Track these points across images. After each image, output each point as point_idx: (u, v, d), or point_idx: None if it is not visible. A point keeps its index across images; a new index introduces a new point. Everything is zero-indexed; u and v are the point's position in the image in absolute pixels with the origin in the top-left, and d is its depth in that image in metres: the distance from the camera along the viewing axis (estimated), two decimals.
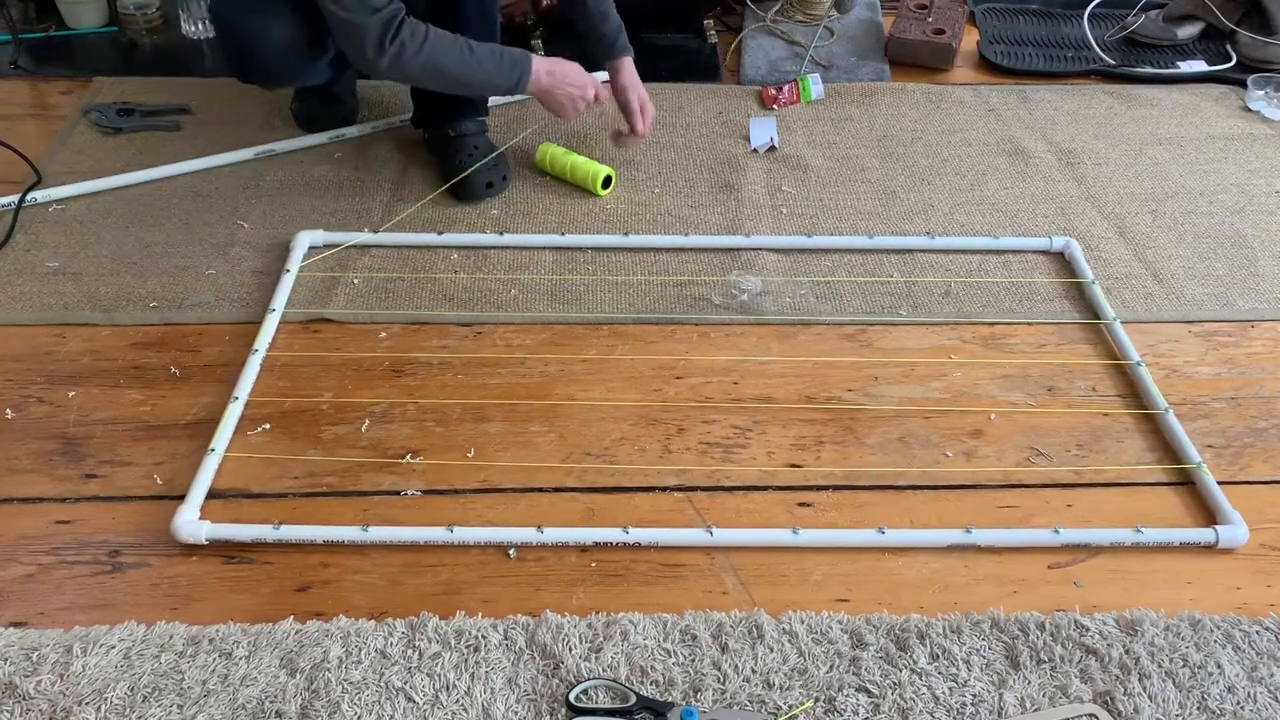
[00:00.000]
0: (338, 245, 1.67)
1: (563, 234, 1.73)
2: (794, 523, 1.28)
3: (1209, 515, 1.30)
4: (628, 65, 1.79)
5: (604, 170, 1.80)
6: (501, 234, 1.71)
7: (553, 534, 1.25)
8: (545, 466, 1.34)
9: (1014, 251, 1.72)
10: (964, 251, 1.71)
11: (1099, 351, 1.54)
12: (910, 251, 1.71)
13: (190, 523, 1.24)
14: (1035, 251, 1.72)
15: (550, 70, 1.65)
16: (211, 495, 1.29)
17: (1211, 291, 1.66)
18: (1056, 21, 2.42)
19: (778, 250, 1.71)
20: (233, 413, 1.38)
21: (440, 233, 1.71)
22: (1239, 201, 1.86)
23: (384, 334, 1.53)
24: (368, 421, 1.40)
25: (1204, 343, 1.57)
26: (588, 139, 1.95)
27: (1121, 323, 1.57)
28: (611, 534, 1.25)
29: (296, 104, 1.95)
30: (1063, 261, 1.70)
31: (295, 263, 1.63)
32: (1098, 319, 1.59)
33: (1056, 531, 1.26)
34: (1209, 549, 1.26)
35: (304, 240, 1.67)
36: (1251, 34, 2.24)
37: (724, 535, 1.25)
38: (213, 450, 1.33)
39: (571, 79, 1.67)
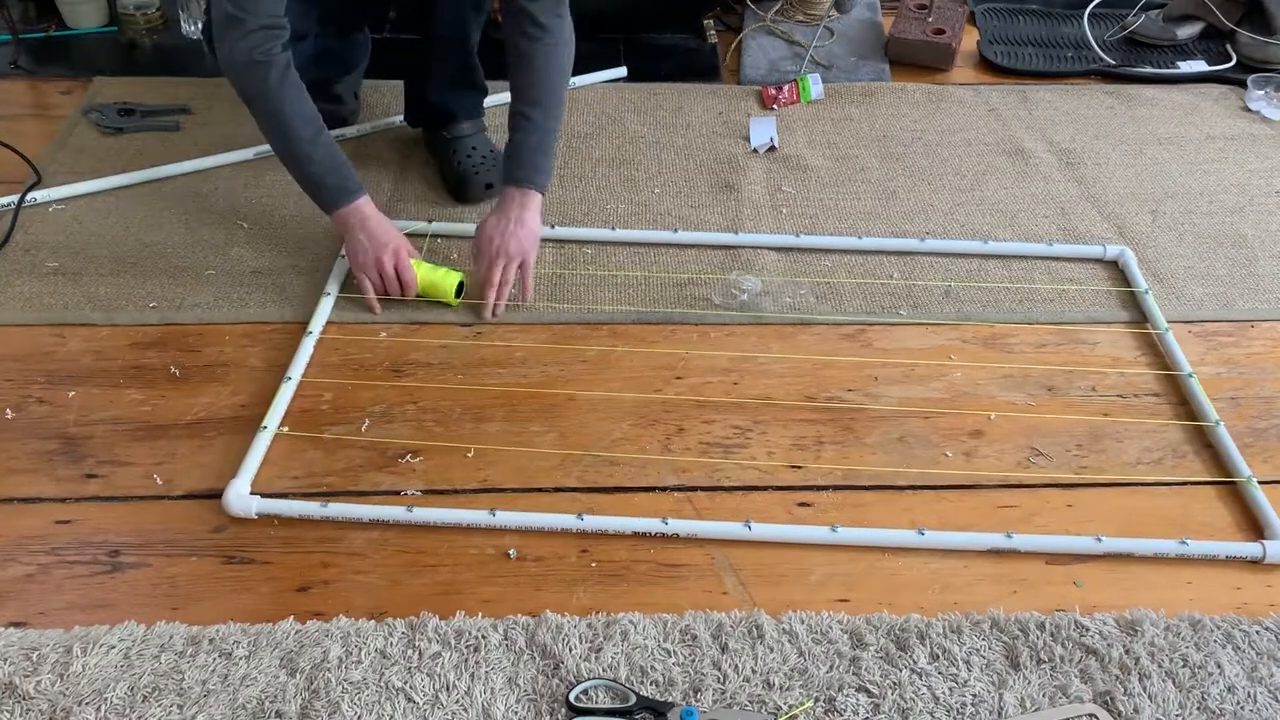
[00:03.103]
0: None
1: (613, 229, 1.72)
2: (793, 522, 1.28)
3: (1219, 518, 1.31)
4: (515, 201, 1.52)
5: (456, 276, 1.55)
6: (552, 226, 1.71)
7: (593, 522, 1.26)
8: (545, 466, 1.34)
9: (1066, 259, 1.71)
10: (1017, 257, 1.70)
11: (1097, 352, 1.54)
12: (963, 256, 1.70)
13: (242, 496, 1.26)
14: (1088, 260, 1.71)
15: (365, 221, 1.51)
16: (211, 495, 1.29)
17: (1211, 291, 1.66)
18: (1056, 21, 2.42)
19: (831, 250, 1.71)
20: (285, 392, 1.40)
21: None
22: (1239, 201, 1.86)
23: (384, 334, 1.53)
24: (368, 421, 1.40)
25: (1204, 343, 1.57)
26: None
27: (1124, 324, 1.58)
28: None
29: None
30: (1066, 265, 1.71)
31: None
32: (1125, 323, 1.59)
33: (1099, 540, 1.25)
34: (1255, 563, 1.25)
35: None
36: (1251, 34, 2.24)
37: (761, 530, 1.26)
38: (264, 428, 1.35)
39: (375, 240, 1.50)
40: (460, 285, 1.55)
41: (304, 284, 1.61)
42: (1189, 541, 1.25)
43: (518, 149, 1.54)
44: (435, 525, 1.26)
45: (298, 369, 1.44)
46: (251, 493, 1.28)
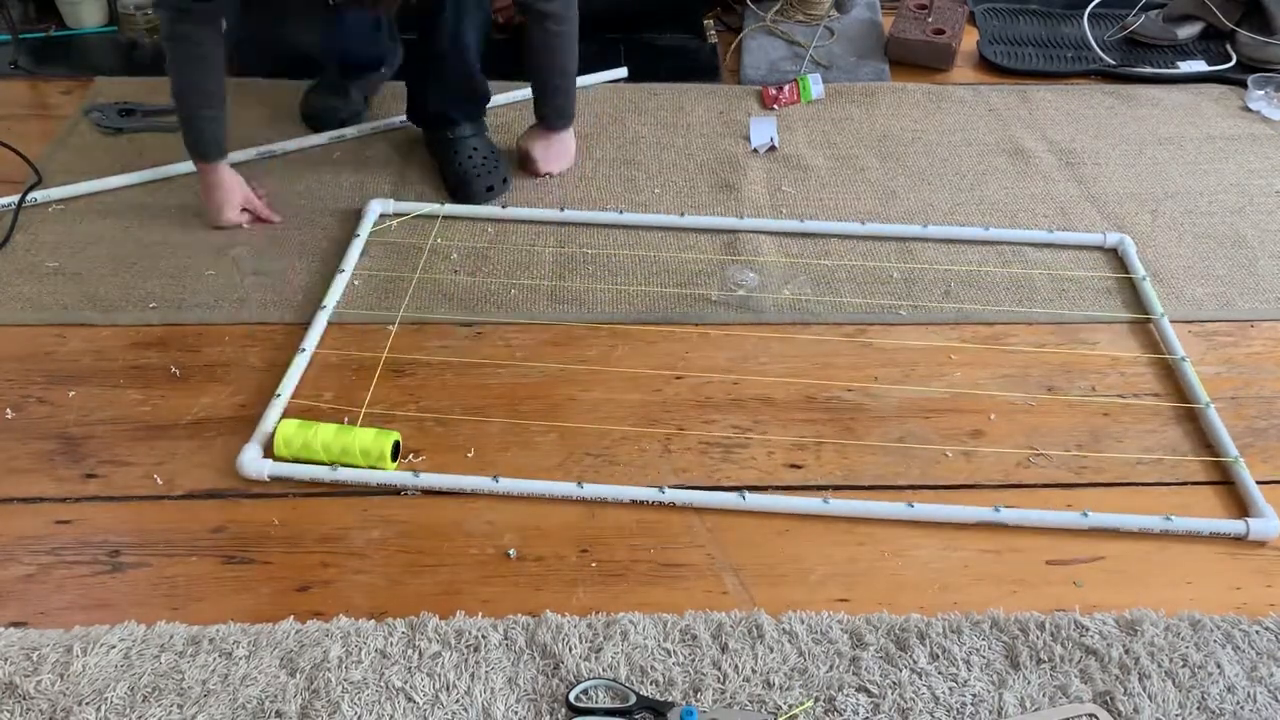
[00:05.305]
0: (406, 214, 1.74)
1: (620, 211, 1.77)
2: (788, 524, 1.28)
3: (1222, 512, 1.31)
4: (554, 129, 1.83)
5: (390, 437, 1.32)
6: (562, 209, 1.76)
7: (592, 490, 1.25)
8: (545, 466, 1.34)
9: (1067, 246, 1.73)
10: (1017, 244, 1.73)
11: (1097, 351, 1.54)
12: (964, 242, 1.73)
13: (255, 460, 1.31)
14: (1088, 247, 1.73)
15: (209, 184, 1.68)
16: (211, 495, 1.29)
17: (1211, 291, 1.66)
18: (1056, 21, 2.42)
19: (838, 235, 1.75)
20: (300, 362, 1.44)
21: (504, 205, 1.77)
22: (1239, 201, 1.86)
23: (384, 333, 1.53)
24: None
25: (1204, 343, 1.57)
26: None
27: (1124, 322, 1.58)
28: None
29: (308, 93, 1.95)
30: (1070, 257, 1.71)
31: (365, 229, 1.70)
32: (1123, 314, 1.59)
33: (1085, 514, 1.26)
34: (1239, 540, 1.27)
35: (375, 208, 1.74)
36: (1251, 34, 2.24)
37: (755, 499, 1.26)
38: (279, 395, 1.39)
39: (211, 202, 1.69)
40: (396, 447, 1.32)
41: (304, 285, 1.61)
42: (1173, 518, 1.27)
43: (554, 107, 1.80)
44: (440, 493, 1.29)
45: (311, 341, 1.48)
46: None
